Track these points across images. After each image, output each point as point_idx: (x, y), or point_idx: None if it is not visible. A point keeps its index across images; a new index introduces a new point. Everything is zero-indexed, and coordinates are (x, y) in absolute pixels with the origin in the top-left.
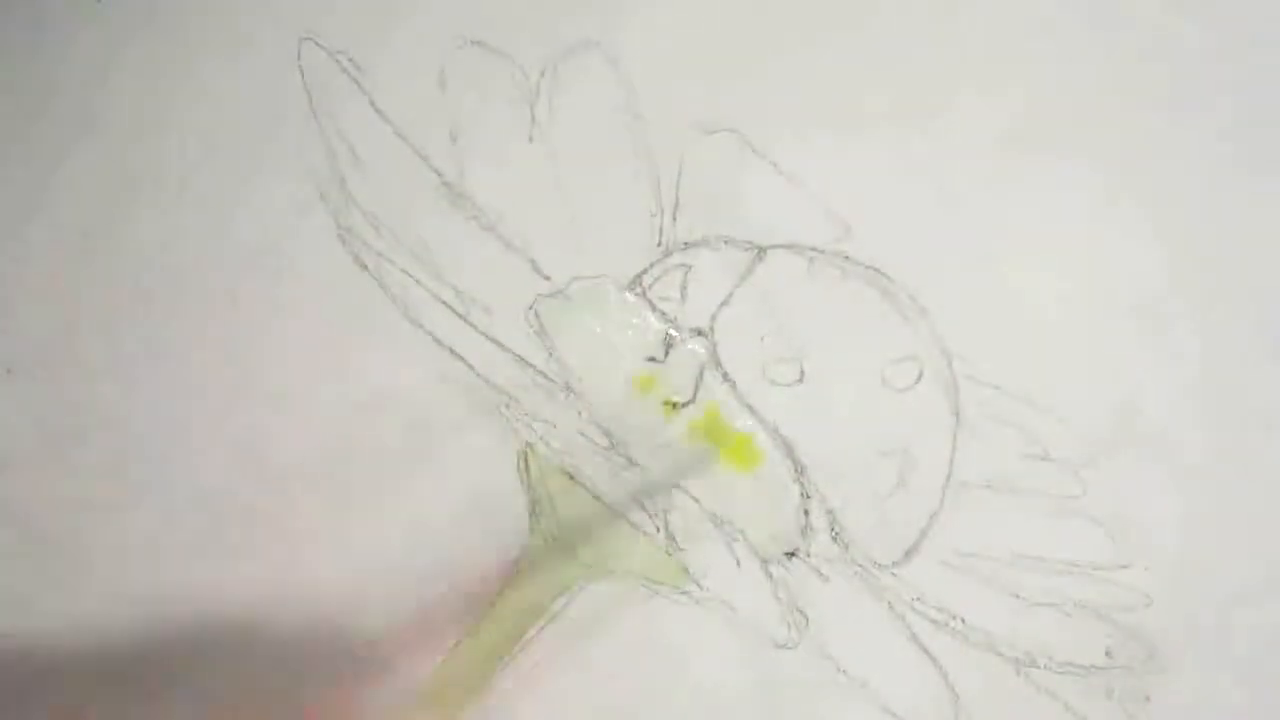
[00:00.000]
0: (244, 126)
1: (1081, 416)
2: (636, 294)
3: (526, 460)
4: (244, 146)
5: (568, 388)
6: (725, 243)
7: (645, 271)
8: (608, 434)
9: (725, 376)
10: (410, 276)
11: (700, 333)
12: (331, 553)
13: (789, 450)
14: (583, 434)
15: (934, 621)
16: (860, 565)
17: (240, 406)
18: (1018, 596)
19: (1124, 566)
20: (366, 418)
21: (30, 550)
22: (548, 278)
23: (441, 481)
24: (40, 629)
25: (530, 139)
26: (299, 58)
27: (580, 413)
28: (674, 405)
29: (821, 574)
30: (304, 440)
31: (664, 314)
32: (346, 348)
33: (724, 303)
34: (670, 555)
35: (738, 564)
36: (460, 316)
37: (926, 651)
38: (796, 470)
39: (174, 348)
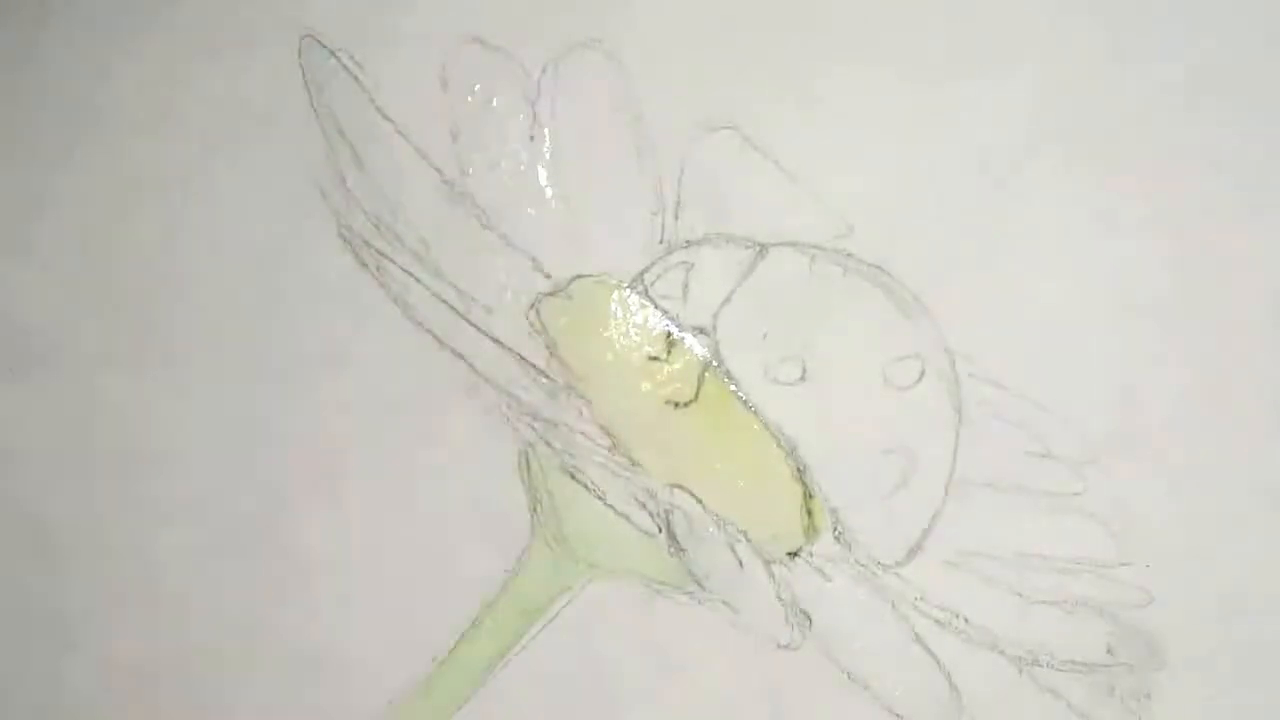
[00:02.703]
0: (245, 125)
1: (1083, 414)
2: (638, 292)
3: (527, 460)
4: (245, 145)
5: (569, 387)
6: (727, 241)
7: (647, 269)
8: (609, 434)
9: (728, 375)
10: (411, 275)
11: (702, 331)
12: (329, 553)
13: (791, 449)
14: (584, 434)
15: (937, 621)
16: (863, 565)
17: (239, 407)
18: (1020, 595)
19: (1125, 564)
20: (365, 417)
21: (29, 549)
22: (549, 276)
23: (441, 482)
24: (39, 628)
25: (531, 137)
26: (299, 55)
27: (581, 412)
28: (676, 404)
29: (824, 574)
30: (303, 440)
31: (666, 312)
32: (347, 347)
33: (726, 301)
34: (672, 556)
35: (740, 565)
36: (461, 316)
37: (930, 651)
38: (799, 469)
39: (174, 348)
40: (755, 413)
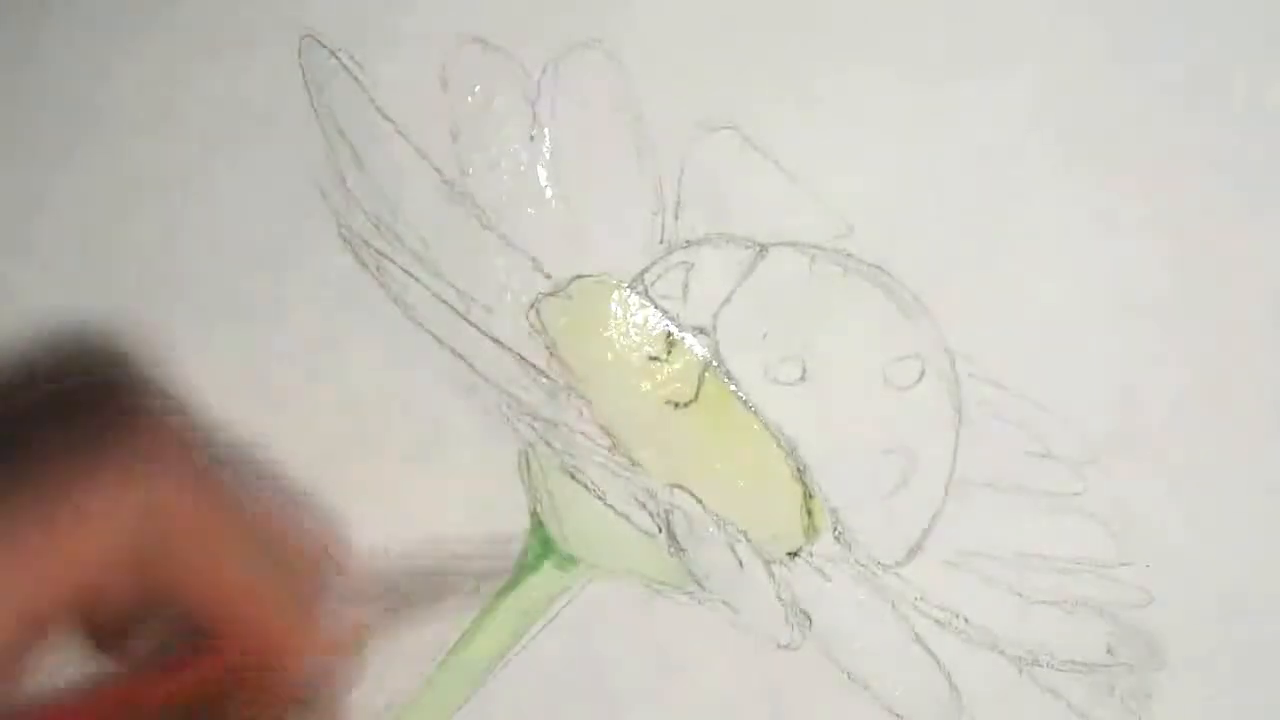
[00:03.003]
0: (245, 125)
1: (1083, 414)
2: (638, 292)
3: (527, 460)
4: (245, 145)
5: (569, 387)
6: (727, 240)
7: (647, 269)
8: (609, 434)
9: (728, 375)
10: (411, 276)
11: (702, 331)
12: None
13: (791, 449)
14: (584, 434)
15: (937, 621)
16: (863, 565)
17: (240, 407)
18: (1020, 595)
19: (1125, 564)
20: (366, 418)
21: None
22: (549, 276)
23: (441, 482)
24: None
25: (531, 137)
26: (300, 55)
27: (581, 412)
28: (676, 404)
29: (824, 574)
30: (304, 441)
31: (666, 312)
32: (347, 348)
33: (726, 301)
34: (672, 556)
35: (740, 565)
36: (461, 316)
37: (930, 651)
38: (799, 469)
39: (174, 349)
40: (755, 413)
